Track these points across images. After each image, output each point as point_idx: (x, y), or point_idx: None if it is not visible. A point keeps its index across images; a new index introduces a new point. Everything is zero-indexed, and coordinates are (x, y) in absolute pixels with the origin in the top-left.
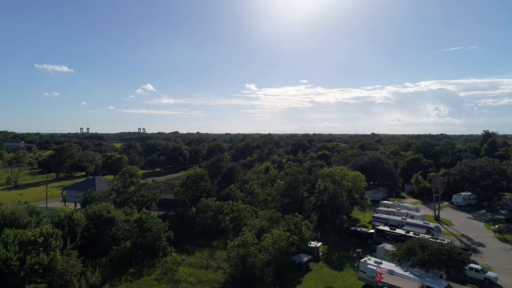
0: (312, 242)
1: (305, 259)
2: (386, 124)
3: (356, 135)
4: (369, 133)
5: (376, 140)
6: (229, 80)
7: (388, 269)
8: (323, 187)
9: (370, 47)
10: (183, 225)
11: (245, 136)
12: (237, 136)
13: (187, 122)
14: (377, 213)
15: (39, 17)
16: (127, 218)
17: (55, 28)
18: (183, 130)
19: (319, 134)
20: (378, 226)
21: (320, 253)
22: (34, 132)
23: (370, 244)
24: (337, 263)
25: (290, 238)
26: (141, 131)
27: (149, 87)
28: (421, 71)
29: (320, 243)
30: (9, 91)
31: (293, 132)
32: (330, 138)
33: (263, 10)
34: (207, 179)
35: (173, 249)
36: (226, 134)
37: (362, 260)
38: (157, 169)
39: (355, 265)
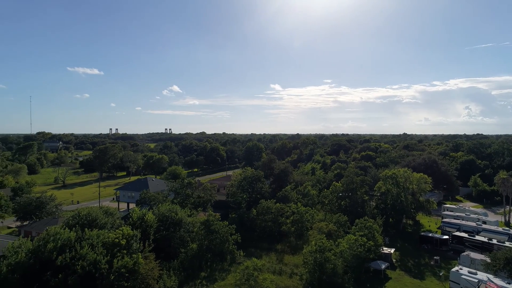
0: (384, 248)
1: (383, 266)
2: (413, 124)
3: (386, 135)
4: (397, 133)
5: (418, 141)
6: (253, 81)
7: (500, 284)
8: (385, 190)
9: (396, 45)
10: (243, 228)
11: (273, 136)
12: (265, 136)
13: (211, 122)
14: (443, 218)
15: (70, 23)
16: (193, 220)
17: (87, 32)
18: (207, 130)
19: (347, 134)
20: (451, 231)
21: (394, 260)
22: (68, 132)
23: (444, 251)
24: (416, 271)
25: (367, 244)
26: (168, 131)
27: (175, 88)
28: (450, 69)
29: (393, 250)
30: (44, 93)
31: (318, 132)
32: (369, 138)
33: (286, 10)
34: (263, 181)
35: (241, 253)
36: (252, 134)
37: (454, 269)
38: (195, 170)
39: (440, 274)
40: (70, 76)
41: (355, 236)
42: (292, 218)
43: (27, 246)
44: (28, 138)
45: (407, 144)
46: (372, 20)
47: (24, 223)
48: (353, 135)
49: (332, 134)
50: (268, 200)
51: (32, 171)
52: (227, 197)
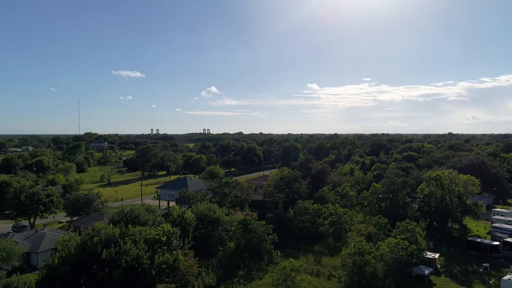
0: (428, 253)
1: (427, 271)
2: (459, 123)
3: (429, 135)
4: (441, 133)
5: (464, 140)
6: (290, 81)
7: None
8: (428, 192)
9: (441, 39)
10: (280, 228)
11: (310, 136)
12: (302, 136)
13: (247, 122)
14: (493, 222)
15: (114, 27)
16: (230, 219)
17: (129, 36)
18: (244, 131)
19: (387, 134)
20: (502, 237)
21: (438, 266)
22: (113, 133)
23: (495, 258)
24: (463, 279)
25: (409, 248)
26: (206, 132)
27: (213, 89)
28: (501, 64)
29: (437, 254)
30: (90, 95)
31: (356, 132)
32: (411, 138)
33: (322, 7)
34: (300, 181)
35: (279, 253)
36: (289, 134)
37: (505, 278)
38: (232, 169)
39: (490, 282)
40: (115, 79)
41: (396, 239)
42: (330, 219)
43: (76, 240)
44: (76, 138)
45: (453, 144)
46: (414, 14)
47: (73, 219)
48: (394, 135)
49: (372, 134)
50: (305, 201)
51: (80, 169)
52: (264, 197)
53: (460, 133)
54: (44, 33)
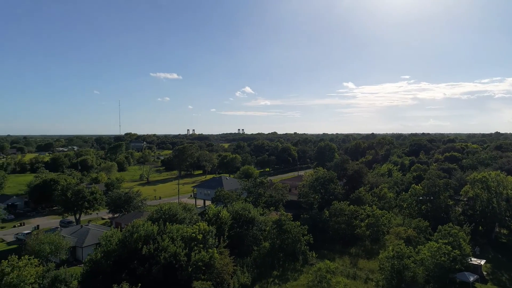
0: (472, 259)
1: (471, 278)
2: (507, 122)
3: (474, 135)
4: (487, 132)
5: None
6: (325, 80)
7: None
8: (473, 194)
9: (486, 33)
10: (316, 229)
11: (346, 136)
12: (337, 136)
13: (281, 122)
14: None
15: (152, 31)
16: (265, 218)
17: (166, 39)
18: (278, 130)
19: (428, 134)
20: None
21: (484, 273)
22: (151, 133)
23: None
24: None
25: (452, 253)
26: (241, 132)
27: (248, 89)
28: None
29: (483, 261)
30: (130, 97)
31: (394, 131)
32: (454, 138)
33: (358, 5)
34: (336, 182)
35: (314, 254)
36: (324, 134)
37: None
38: (266, 169)
39: None
40: (153, 81)
41: (438, 243)
42: (367, 221)
43: (118, 236)
44: (117, 138)
45: (500, 144)
46: (456, 8)
47: (115, 215)
48: (435, 134)
49: (411, 133)
50: (341, 202)
51: (121, 168)
52: (299, 197)
53: (508, 132)
54: (88, 39)
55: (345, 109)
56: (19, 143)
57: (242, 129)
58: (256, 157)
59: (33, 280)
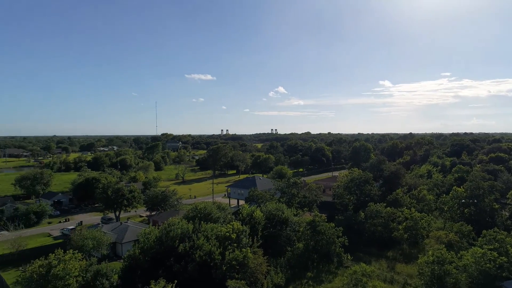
0: None
1: None
2: None
3: None
4: None
5: None
6: (360, 78)
7: None
8: None
9: None
10: (351, 231)
11: (382, 136)
12: (373, 136)
13: (315, 122)
14: None
15: (187, 33)
16: (299, 219)
17: (201, 40)
18: (312, 130)
19: (470, 133)
20: None
21: None
22: (186, 133)
23: None
24: None
25: (498, 260)
26: (274, 132)
27: (281, 89)
28: None
29: None
30: (166, 98)
31: (434, 131)
32: (500, 137)
33: (396, 1)
34: (372, 183)
35: (349, 257)
36: (359, 134)
37: None
38: (300, 169)
39: None
40: (188, 82)
41: (482, 249)
42: (405, 224)
43: (155, 234)
44: (154, 138)
45: None
46: (501, 1)
47: (152, 213)
48: (479, 134)
49: (452, 133)
50: (378, 204)
51: (157, 167)
52: (333, 198)
53: None
54: (129, 43)
55: (381, 108)
56: (64, 143)
57: (275, 129)
58: (289, 157)
59: (77, 274)
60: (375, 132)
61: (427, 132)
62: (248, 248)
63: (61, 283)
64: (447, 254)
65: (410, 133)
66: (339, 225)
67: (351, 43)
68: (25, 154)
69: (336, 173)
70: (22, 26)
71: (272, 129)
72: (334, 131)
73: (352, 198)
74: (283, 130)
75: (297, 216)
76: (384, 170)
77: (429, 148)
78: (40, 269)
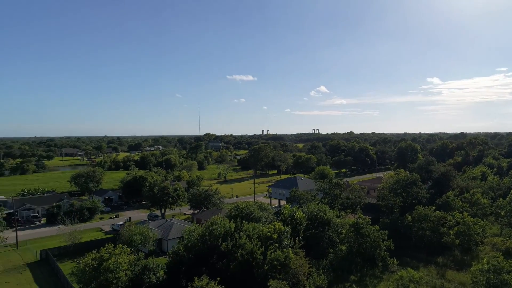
0: None
1: None
2: None
3: None
4: None
5: None
6: (406, 75)
7: None
8: None
9: None
10: (396, 234)
11: (430, 136)
12: (420, 136)
13: (358, 121)
14: None
15: (229, 35)
16: (341, 221)
17: (242, 42)
18: (355, 130)
19: None
20: None
21: None
22: (228, 134)
23: None
24: None
25: None
26: (315, 132)
27: (323, 89)
28: None
29: None
30: (209, 99)
31: (489, 130)
32: None
33: None
34: (420, 185)
35: (395, 261)
36: (405, 133)
37: None
38: (343, 170)
39: None
40: (229, 83)
41: None
42: (456, 229)
43: (198, 232)
44: (197, 139)
45: None
46: None
47: (196, 211)
48: None
49: (509, 132)
50: (426, 207)
51: (200, 167)
52: (378, 200)
53: None
54: (172, 47)
55: (429, 107)
56: (114, 143)
57: (317, 129)
58: (331, 158)
59: (126, 267)
60: (422, 131)
61: (480, 132)
62: (290, 249)
63: (112, 276)
64: (505, 263)
65: (462, 132)
66: (384, 228)
67: (396, 39)
68: (79, 153)
69: (380, 174)
70: (85, 33)
71: (313, 129)
72: (378, 130)
73: (398, 200)
74: (325, 130)
75: (339, 217)
76: (433, 172)
77: (483, 148)
78: (93, 262)
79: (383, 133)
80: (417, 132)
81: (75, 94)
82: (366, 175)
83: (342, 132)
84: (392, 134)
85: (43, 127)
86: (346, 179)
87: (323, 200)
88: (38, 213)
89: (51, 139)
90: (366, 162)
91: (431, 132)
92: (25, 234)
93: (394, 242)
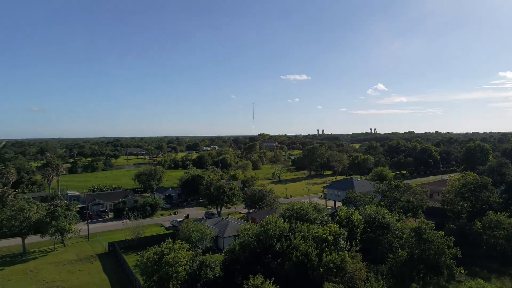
0: None
1: None
2: None
3: None
4: None
5: None
6: (473, 70)
7: None
8: None
9: None
10: (464, 242)
11: (503, 135)
12: (491, 135)
13: (420, 120)
14: None
15: (282, 35)
16: (402, 225)
17: (296, 41)
18: (416, 130)
19: None
20: None
21: None
22: (282, 134)
23: None
24: None
25: None
26: (373, 131)
27: (380, 86)
28: None
29: None
30: (262, 100)
31: None
32: None
33: None
34: (491, 189)
35: (462, 270)
36: (473, 133)
37: None
38: (403, 172)
39: None
40: (283, 83)
41: None
42: None
43: (253, 231)
44: (251, 139)
45: None
46: None
47: (250, 211)
48: None
49: None
50: (499, 213)
51: (255, 167)
52: (442, 204)
53: None
54: (227, 49)
55: (502, 103)
56: (173, 143)
57: (374, 129)
58: (390, 159)
59: (185, 263)
60: (493, 130)
61: None
62: (346, 252)
63: (172, 270)
64: None
65: None
66: (450, 234)
67: (462, 31)
68: (141, 152)
69: (445, 177)
70: (154, 37)
71: (370, 129)
72: (442, 130)
73: (465, 205)
74: (383, 129)
75: (399, 221)
76: (506, 175)
77: None
78: (154, 256)
79: (448, 132)
80: (487, 132)
81: (141, 97)
82: (428, 177)
83: (401, 131)
84: (458, 134)
85: (111, 128)
86: (406, 181)
87: (381, 203)
88: (106, 208)
89: (118, 139)
90: (428, 164)
91: (504, 131)
92: (95, 227)
93: (461, 249)
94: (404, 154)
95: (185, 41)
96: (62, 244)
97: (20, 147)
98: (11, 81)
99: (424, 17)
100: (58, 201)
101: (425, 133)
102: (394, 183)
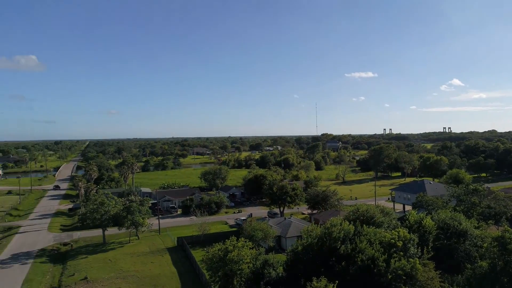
0: None
1: None
2: None
3: None
4: None
5: None
6: None
7: None
8: None
9: None
10: None
11: None
12: None
13: (502, 118)
14: None
15: (346, 32)
16: (482, 233)
17: (360, 38)
18: (498, 128)
19: None
20: None
21: None
22: (346, 133)
23: None
24: None
25: None
26: (447, 131)
27: (456, 82)
28: None
29: None
30: (326, 99)
31: None
32: None
33: None
34: None
35: None
36: None
37: None
38: (482, 175)
39: None
40: (347, 81)
41: None
42: None
43: (317, 233)
44: (314, 139)
45: None
46: None
47: (313, 212)
48: None
49: None
50: None
51: (318, 167)
52: None
53: None
54: (289, 49)
55: None
56: (237, 143)
57: (449, 128)
58: (467, 160)
59: (248, 260)
60: None
61: None
62: (417, 259)
63: (236, 267)
64: None
65: None
66: None
67: None
68: (207, 152)
69: None
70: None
71: (444, 128)
72: None
73: None
74: (458, 128)
75: (478, 229)
76: None
77: None
78: (219, 252)
79: None
80: None
81: (207, 100)
82: None
83: (481, 130)
84: None
85: (180, 128)
86: (486, 185)
87: (457, 208)
88: (175, 204)
89: (185, 140)
90: None
91: None
92: (165, 222)
93: None
94: (484, 155)
95: (250, 42)
96: (136, 237)
97: (101, 146)
98: (95, 88)
99: (504, 4)
100: (133, 197)
101: (509, 132)
102: (472, 187)
